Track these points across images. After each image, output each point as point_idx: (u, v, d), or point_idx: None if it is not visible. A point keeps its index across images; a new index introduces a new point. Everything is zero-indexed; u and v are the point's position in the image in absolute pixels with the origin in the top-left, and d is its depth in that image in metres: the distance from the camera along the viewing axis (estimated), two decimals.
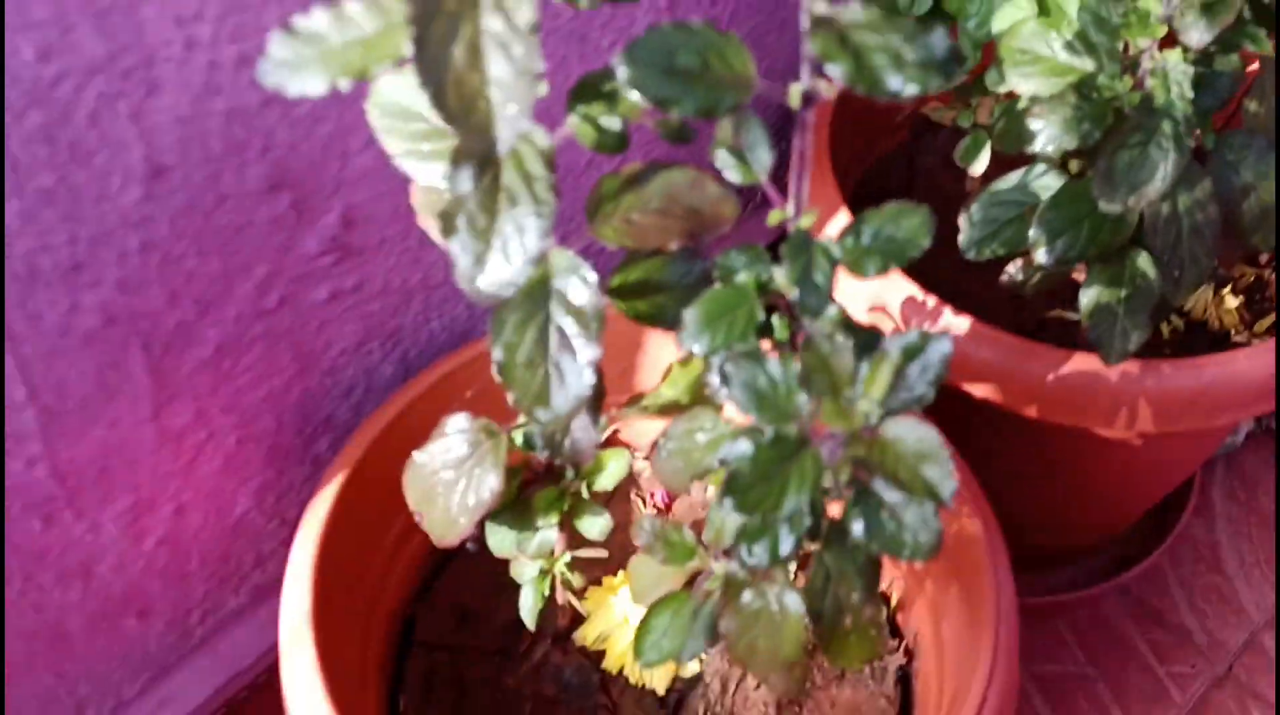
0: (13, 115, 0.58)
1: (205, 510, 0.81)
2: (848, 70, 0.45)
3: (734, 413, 0.63)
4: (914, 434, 0.47)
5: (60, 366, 0.67)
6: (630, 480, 0.96)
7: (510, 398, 0.58)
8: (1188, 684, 1.10)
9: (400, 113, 0.62)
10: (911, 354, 0.48)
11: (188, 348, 0.73)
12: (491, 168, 0.53)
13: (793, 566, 0.67)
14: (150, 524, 0.77)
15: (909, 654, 0.87)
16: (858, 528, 0.53)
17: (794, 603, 0.59)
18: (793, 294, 0.56)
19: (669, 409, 0.69)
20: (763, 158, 0.56)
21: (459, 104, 0.46)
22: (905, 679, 0.86)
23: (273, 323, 0.77)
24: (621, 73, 0.48)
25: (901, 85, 0.46)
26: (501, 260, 0.52)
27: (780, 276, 0.57)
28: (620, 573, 0.87)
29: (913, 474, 0.46)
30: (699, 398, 0.68)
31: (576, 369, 0.57)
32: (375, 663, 0.83)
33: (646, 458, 0.89)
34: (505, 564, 0.91)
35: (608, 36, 0.87)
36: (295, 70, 0.51)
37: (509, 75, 0.46)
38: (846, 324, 0.55)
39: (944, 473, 0.45)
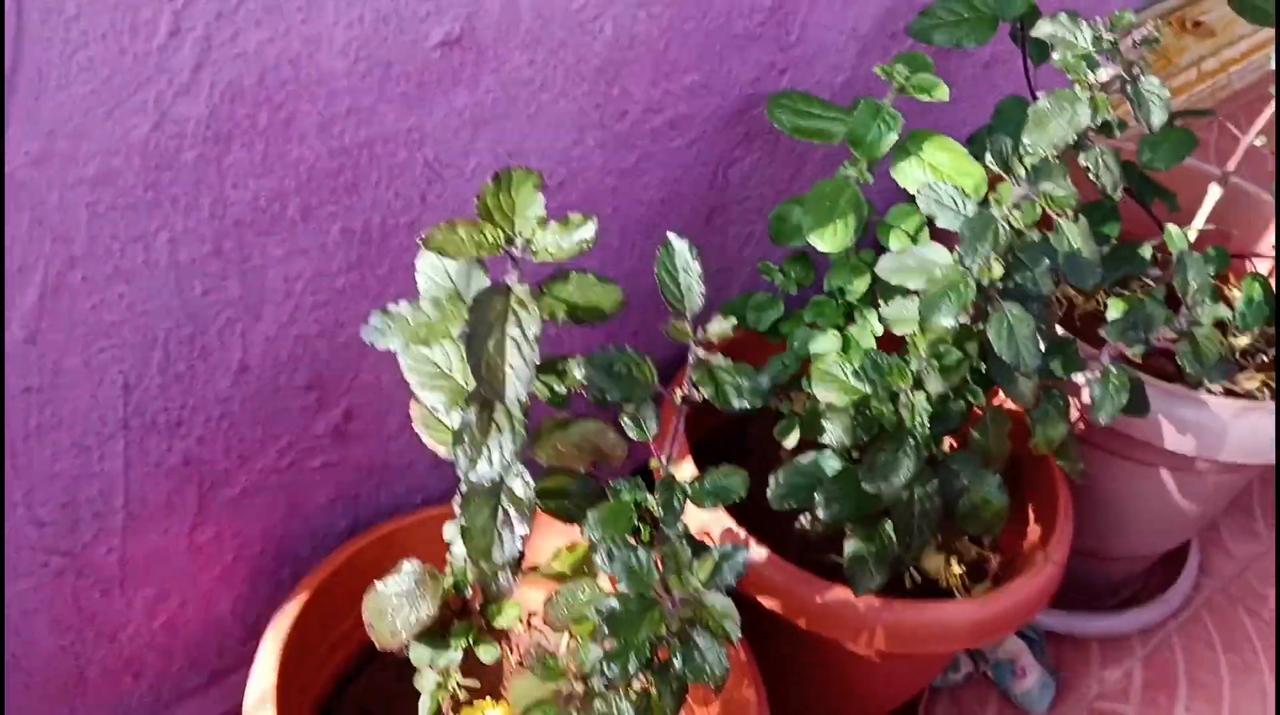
0: (176, 325, 0.90)
1: (198, 607, 1.09)
2: (711, 392, 0.81)
3: (604, 583, 0.96)
4: (721, 602, 0.80)
5: (148, 487, 0.96)
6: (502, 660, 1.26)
7: (466, 549, 0.90)
8: None
9: (422, 360, 0.95)
10: (726, 557, 0.82)
11: (225, 487, 1.03)
12: (488, 408, 0.86)
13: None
14: (162, 610, 1.06)
15: None
16: (678, 662, 0.86)
17: (627, 710, 0.91)
18: (658, 512, 0.90)
19: (556, 577, 1.01)
20: (651, 427, 0.90)
21: (488, 374, 0.80)
22: None
23: (282, 478, 1.07)
24: (580, 370, 0.83)
25: (740, 403, 0.81)
26: (486, 464, 0.85)
27: (650, 500, 0.91)
28: (487, 698, 1.17)
29: (717, 625, 0.80)
30: (578, 572, 1.01)
31: (512, 539, 0.89)
32: None
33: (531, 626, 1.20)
34: (401, 682, 1.20)
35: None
36: (384, 334, 0.84)
37: (519, 363, 0.80)
38: (688, 536, 0.89)
39: (734, 625, 0.79)
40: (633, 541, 0.89)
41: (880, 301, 1.26)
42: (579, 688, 0.97)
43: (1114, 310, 1.42)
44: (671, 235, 0.85)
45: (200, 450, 0.98)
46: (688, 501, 0.90)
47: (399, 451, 1.17)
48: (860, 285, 1.25)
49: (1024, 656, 1.57)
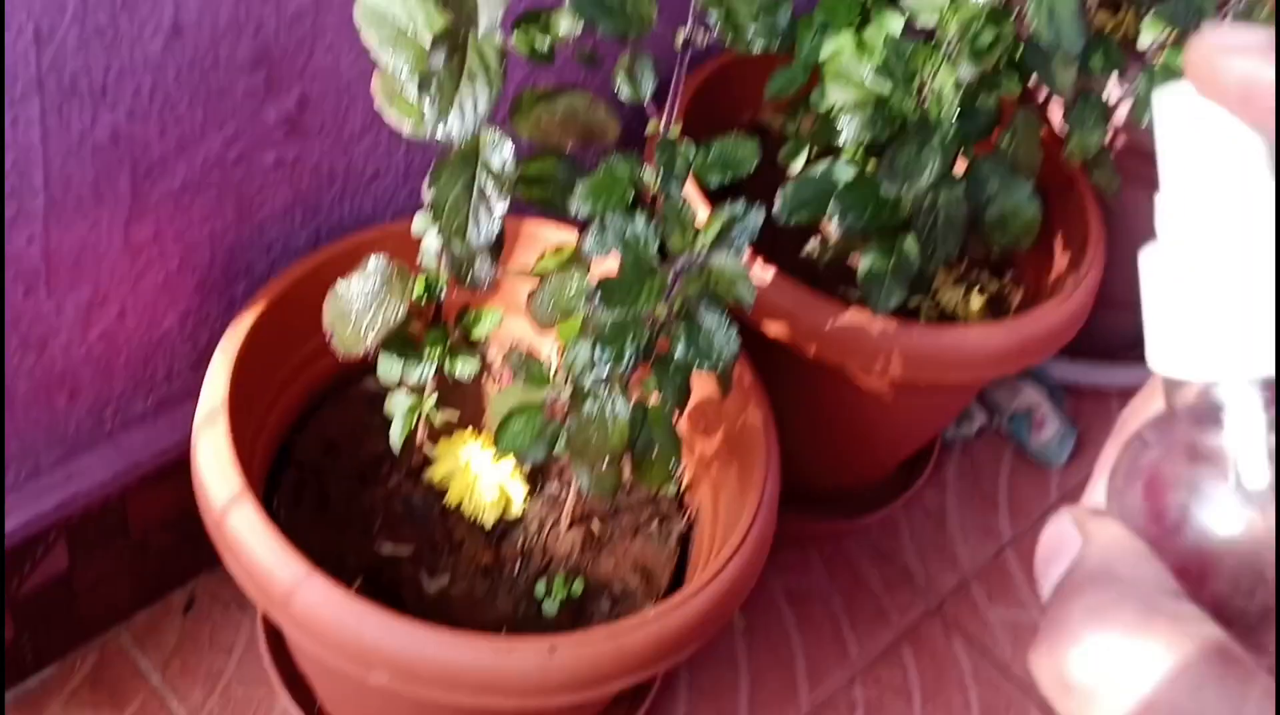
0: None
1: (140, 318, 0.98)
2: (721, 19, 0.68)
3: (594, 275, 0.84)
4: (731, 263, 0.69)
5: (71, 166, 0.84)
6: (483, 372, 1.16)
7: (438, 228, 0.78)
8: (905, 612, 1.36)
9: (378, 17, 0.82)
10: (736, 218, 0.70)
11: (162, 177, 0.90)
12: (459, 52, 0.73)
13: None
14: (98, 317, 0.94)
15: (690, 524, 1.09)
16: (680, 350, 0.75)
17: (622, 408, 0.80)
18: (655, 187, 0.78)
19: (542, 275, 0.90)
20: (648, 83, 0.77)
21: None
22: (685, 542, 1.08)
23: (228, 174, 0.95)
24: (567, 21, 0.70)
25: (753, 38, 0.69)
26: (458, 117, 0.72)
27: (647, 175, 0.79)
28: (469, 428, 1.08)
29: (728, 289, 0.68)
30: (565, 269, 0.90)
31: (490, 217, 0.77)
32: (258, 472, 1.01)
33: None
34: (369, 411, 1.10)
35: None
36: None
37: None
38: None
39: (748, 288, 0.68)
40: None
41: None
42: (568, 391, 0.86)
43: (1149, 28, 1.29)
44: None
45: (131, 127, 0.86)
46: (690, 175, 0.78)
47: (363, 158, 1.05)
48: None
49: (1042, 407, 1.48)
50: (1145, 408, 0.33)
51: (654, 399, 0.86)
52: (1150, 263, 0.31)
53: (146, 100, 0.85)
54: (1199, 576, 0.27)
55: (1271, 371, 0.27)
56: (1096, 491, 0.32)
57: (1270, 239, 0.28)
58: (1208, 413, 0.28)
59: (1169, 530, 0.28)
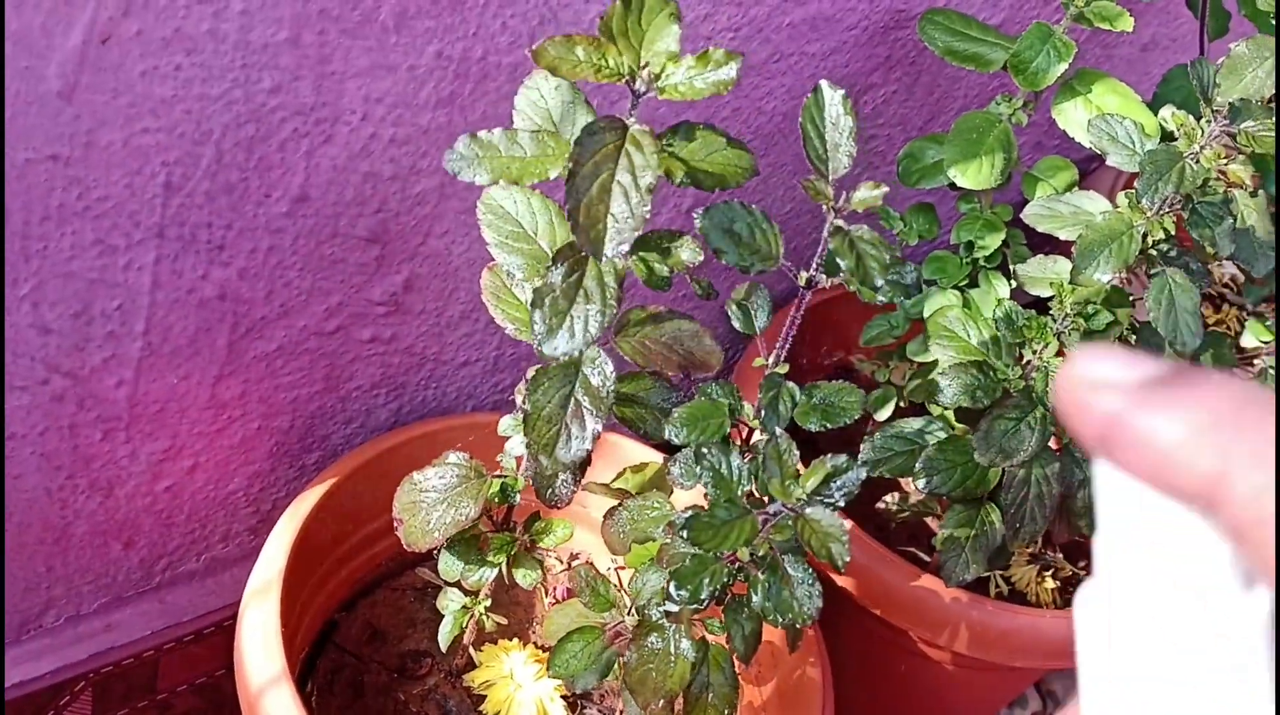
0: (235, 122, 0.77)
1: (210, 476, 0.96)
2: (850, 265, 0.67)
3: (678, 499, 0.82)
4: (828, 518, 0.66)
5: (174, 316, 0.84)
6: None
7: (527, 440, 0.77)
8: None
9: (501, 214, 0.82)
10: (839, 472, 0.68)
11: (260, 339, 0.90)
12: (578, 269, 0.73)
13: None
14: (169, 470, 0.93)
15: None
16: (758, 597, 0.72)
17: (687, 648, 0.77)
18: (753, 422, 0.76)
19: (619, 494, 0.88)
20: (762, 317, 0.76)
21: (586, 220, 0.67)
22: None
23: (324, 343, 0.94)
24: (698, 222, 0.69)
25: (881, 287, 0.68)
26: (567, 336, 0.71)
27: (746, 407, 0.78)
28: (514, 639, 1.04)
29: (822, 545, 0.66)
30: (645, 490, 0.87)
31: (582, 435, 0.76)
32: (298, 651, 0.98)
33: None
34: (417, 603, 1.07)
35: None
36: (470, 164, 0.72)
37: (624, 213, 0.67)
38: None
39: (843, 549, 0.65)
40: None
41: (1010, 264, 1.13)
42: (630, 621, 0.83)
43: (1255, 331, 1.30)
44: (824, 83, 0.72)
45: (240, 286, 0.86)
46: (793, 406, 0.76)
47: (456, 346, 1.04)
48: (993, 241, 1.11)
49: None
50: None
51: (716, 638, 0.83)
52: (1088, 612, 0.28)
53: (260, 261, 0.86)
54: None
55: None
56: None
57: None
58: None
59: None
